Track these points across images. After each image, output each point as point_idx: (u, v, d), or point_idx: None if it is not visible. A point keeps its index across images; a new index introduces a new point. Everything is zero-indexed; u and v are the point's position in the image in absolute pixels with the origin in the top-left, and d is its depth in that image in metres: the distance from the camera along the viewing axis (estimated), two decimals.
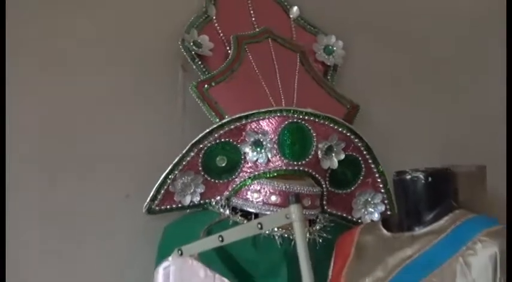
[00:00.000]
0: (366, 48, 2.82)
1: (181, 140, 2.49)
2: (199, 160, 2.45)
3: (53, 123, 2.52)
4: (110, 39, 2.58)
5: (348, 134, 2.50)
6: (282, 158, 2.44)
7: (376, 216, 2.58)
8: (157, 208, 2.46)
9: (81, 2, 2.57)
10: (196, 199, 2.48)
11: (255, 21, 2.67)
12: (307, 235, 2.40)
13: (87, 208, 2.52)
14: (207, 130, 2.44)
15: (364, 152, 2.53)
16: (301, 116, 2.45)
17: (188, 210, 2.50)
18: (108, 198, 2.53)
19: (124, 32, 2.59)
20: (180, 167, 2.44)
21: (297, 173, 2.46)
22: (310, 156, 2.45)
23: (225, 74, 2.54)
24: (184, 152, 2.43)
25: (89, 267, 2.52)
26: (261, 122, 2.45)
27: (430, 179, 2.20)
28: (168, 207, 2.47)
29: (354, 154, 2.53)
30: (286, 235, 2.39)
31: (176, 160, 2.43)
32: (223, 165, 2.46)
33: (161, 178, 2.44)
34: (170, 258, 2.32)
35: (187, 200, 2.47)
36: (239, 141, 2.46)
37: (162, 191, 2.45)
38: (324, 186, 2.53)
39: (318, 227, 2.48)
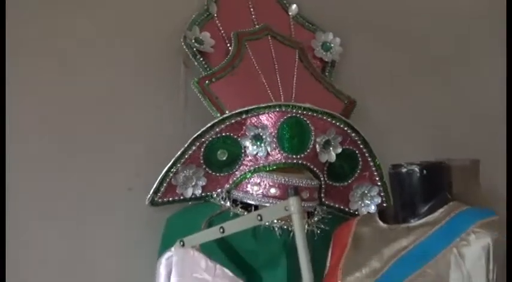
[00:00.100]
0: (365, 46, 2.82)
1: (183, 134, 2.50)
2: (201, 154, 2.46)
3: (53, 123, 2.52)
4: (110, 38, 2.58)
5: (345, 129, 2.51)
6: (281, 152, 2.45)
7: (372, 209, 2.59)
8: (160, 200, 2.47)
9: (81, 2, 2.57)
10: (198, 192, 2.49)
11: (255, 18, 2.69)
12: (306, 226, 2.41)
13: (88, 207, 2.52)
14: (209, 124, 2.45)
15: (361, 146, 2.54)
16: (299, 111, 2.45)
17: (190, 203, 2.51)
18: (110, 193, 2.54)
19: (125, 31, 2.60)
20: (182, 161, 2.45)
21: (295, 166, 2.47)
22: (308, 150, 2.46)
23: (226, 70, 2.55)
24: (186, 146, 2.44)
25: (89, 266, 2.52)
26: (260, 116, 2.45)
27: (425, 172, 2.21)
28: (170, 199, 2.48)
29: (351, 148, 2.54)
30: (285, 227, 2.41)
31: (178, 154, 2.44)
32: (224, 158, 2.48)
33: (164, 171, 2.45)
34: (173, 249, 2.33)
35: (189, 193, 2.48)
36: (239, 135, 2.47)
37: (165, 184, 2.46)
38: (322, 179, 2.54)
39: (316, 219, 2.49)
